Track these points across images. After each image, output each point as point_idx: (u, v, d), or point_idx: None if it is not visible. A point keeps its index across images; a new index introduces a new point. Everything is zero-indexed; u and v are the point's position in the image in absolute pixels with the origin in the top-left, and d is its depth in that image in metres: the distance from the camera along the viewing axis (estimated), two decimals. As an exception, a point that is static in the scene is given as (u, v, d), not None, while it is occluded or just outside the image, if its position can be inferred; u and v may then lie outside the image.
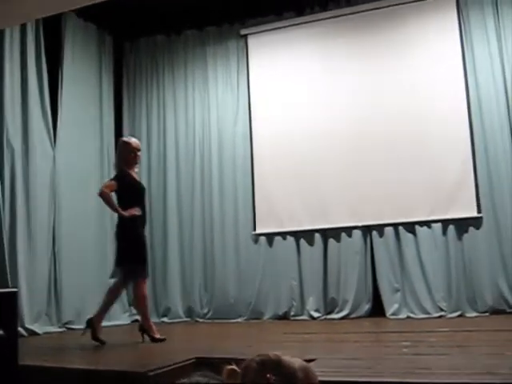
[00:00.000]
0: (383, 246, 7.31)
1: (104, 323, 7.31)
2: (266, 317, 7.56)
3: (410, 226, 7.23)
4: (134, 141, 5.92)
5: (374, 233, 7.35)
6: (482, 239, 6.94)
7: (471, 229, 7.00)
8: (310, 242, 7.60)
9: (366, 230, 7.36)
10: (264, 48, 8.18)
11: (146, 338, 5.59)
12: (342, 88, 7.68)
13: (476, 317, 6.70)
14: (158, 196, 8.44)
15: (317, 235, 7.56)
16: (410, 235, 7.22)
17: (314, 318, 7.36)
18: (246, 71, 8.23)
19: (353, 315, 7.23)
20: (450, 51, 7.25)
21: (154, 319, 7.57)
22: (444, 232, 7.08)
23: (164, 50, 8.73)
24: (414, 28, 7.50)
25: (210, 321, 7.82)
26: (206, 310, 7.96)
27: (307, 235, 7.61)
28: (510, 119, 6.96)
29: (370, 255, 7.37)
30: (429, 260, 7.08)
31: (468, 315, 6.78)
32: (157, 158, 8.60)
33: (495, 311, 6.69)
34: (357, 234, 7.38)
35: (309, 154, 7.64)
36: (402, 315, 7.00)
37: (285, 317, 7.50)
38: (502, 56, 7.07)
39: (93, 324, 5.56)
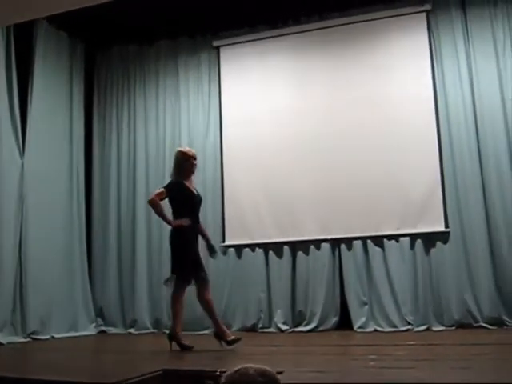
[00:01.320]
0: (351, 259, 7.31)
1: (70, 333, 7.39)
2: (234, 328, 7.43)
3: (379, 240, 7.26)
4: (189, 149, 5.94)
5: (343, 246, 7.35)
6: (449, 254, 6.99)
7: (439, 243, 7.06)
8: (279, 255, 7.59)
9: (335, 243, 7.37)
10: (236, 60, 8.16)
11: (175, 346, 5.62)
12: (314, 102, 7.71)
13: (442, 331, 6.73)
14: (127, 207, 8.38)
15: (286, 248, 7.55)
16: (378, 249, 7.25)
17: (281, 331, 7.33)
18: (217, 83, 8.22)
19: (320, 328, 7.21)
20: (420, 67, 7.34)
21: (120, 330, 7.82)
22: (412, 246, 7.12)
23: (136, 60, 8.69)
24: (385, 43, 7.59)
25: None
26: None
27: (276, 247, 7.60)
28: (477, 136, 7.04)
29: (339, 268, 7.36)
30: (396, 274, 7.10)
31: (435, 329, 6.81)
32: (126, 170, 8.54)
33: (461, 325, 6.74)
34: (325, 247, 7.39)
35: (279, 167, 7.65)
36: (370, 328, 7.01)
37: (253, 329, 7.45)
38: (471, 74, 7.16)
39: (173, 337, 5.62)
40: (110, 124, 8.74)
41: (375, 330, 6.97)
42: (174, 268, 5.68)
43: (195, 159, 5.85)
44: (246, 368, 2.01)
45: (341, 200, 7.38)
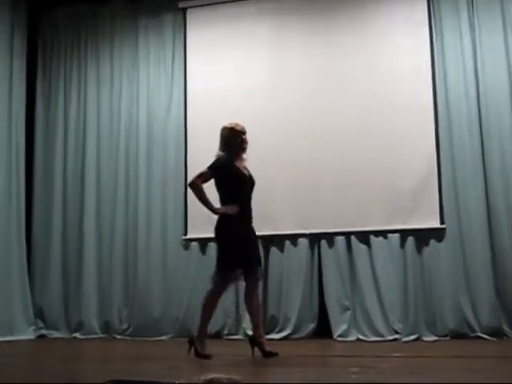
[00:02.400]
0: (333, 257, 7.31)
1: (5, 338, 7.33)
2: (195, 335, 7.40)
3: (364, 236, 7.27)
4: (236, 124, 5.75)
5: (323, 242, 7.35)
6: (444, 253, 7.02)
7: (432, 241, 7.09)
8: None
9: (314, 238, 7.36)
10: (205, 24, 8.08)
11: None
12: (294, 76, 7.69)
13: (435, 341, 6.77)
14: (74, 195, 8.38)
15: None
16: (363, 246, 7.26)
17: (250, 338, 7.31)
18: (183, 50, 8.15)
19: (295, 336, 7.22)
20: (417, 40, 7.35)
21: (63, 334, 7.81)
22: (402, 244, 7.15)
23: (87, 23, 8.62)
24: (376, 10, 7.59)
25: (129, 338, 7.74)
26: (125, 326, 7.88)
27: None
28: (480, 120, 7.08)
29: (318, 268, 7.37)
30: (384, 275, 7.12)
31: (426, 339, 6.84)
32: (74, 152, 8.49)
33: (456, 335, 6.79)
34: (303, 242, 7.39)
35: (252, 150, 7.33)
36: (352, 337, 7.03)
37: (218, 335, 7.41)
38: (474, 49, 7.19)
39: (194, 341, 5.55)
40: (55, 100, 8.64)
41: (358, 339, 6.98)
42: (217, 261, 5.60)
43: (245, 134, 5.71)
44: (218, 378, 1.98)
45: (321, 190, 7.37)
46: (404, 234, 7.12)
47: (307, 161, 7.45)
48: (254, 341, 5.52)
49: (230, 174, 5.61)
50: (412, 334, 6.90)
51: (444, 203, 7.06)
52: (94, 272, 8.09)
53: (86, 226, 8.21)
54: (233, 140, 5.67)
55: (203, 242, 7.71)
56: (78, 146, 8.48)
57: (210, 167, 5.61)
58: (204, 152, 7.30)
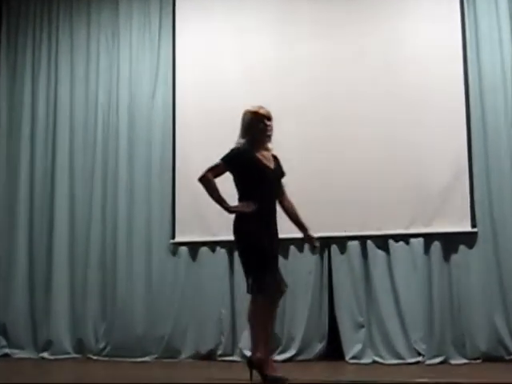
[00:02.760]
0: (345, 265, 7.02)
1: None
2: (183, 355, 7.25)
3: (382, 241, 6.96)
4: (259, 107, 5.48)
5: (334, 247, 7.05)
6: (475, 261, 6.74)
7: (462, 247, 6.79)
8: None
9: (324, 243, 6.96)
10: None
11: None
12: (303, 56, 7.36)
13: (464, 364, 6.46)
14: (42, 191, 8.09)
15: None
16: (381, 252, 6.95)
17: (248, 360, 7.05)
18: (171, 19, 7.90)
19: (301, 357, 6.93)
20: (445, 12, 7.03)
21: (30, 354, 7.78)
22: (426, 250, 6.84)
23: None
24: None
25: (107, 358, 7.45)
26: (102, 345, 7.57)
27: None
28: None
29: (328, 278, 7.08)
30: (405, 286, 6.81)
31: (453, 362, 6.53)
32: (43, 137, 8.16)
33: (489, 358, 6.50)
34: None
35: None
36: (367, 359, 6.73)
37: (210, 356, 7.21)
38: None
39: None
40: (22, 75, 8.35)
41: (374, 362, 6.71)
42: (249, 272, 5.26)
43: (269, 119, 5.44)
44: None
45: (333, 187, 7.10)
46: (429, 238, 6.81)
47: (316, 155, 7.18)
48: (252, 363, 5.22)
49: (249, 165, 5.35)
50: (437, 356, 6.58)
51: (476, 203, 6.79)
52: (66, 282, 7.80)
53: (57, 228, 7.91)
54: (255, 126, 5.40)
55: (194, 247, 7.49)
56: (47, 134, 8.17)
57: (224, 158, 5.38)
58: (194, 143, 7.59)
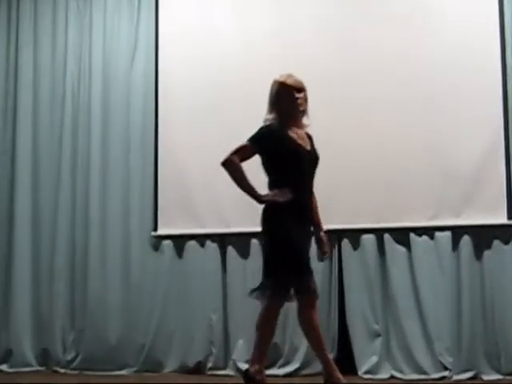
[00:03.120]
0: (358, 262, 6.71)
1: None
2: (167, 369, 6.94)
3: (402, 235, 6.63)
4: (288, 76, 5.14)
5: (345, 242, 6.74)
6: None
7: (497, 243, 6.43)
8: (243, 253, 7.01)
9: (334, 237, 6.62)
10: None
11: None
12: (306, 25, 7.02)
13: (498, 380, 6.13)
14: (2, 181, 7.77)
15: (254, 242, 6.92)
16: (400, 248, 6.60)
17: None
18: None
19: (305, 371, 6.60)
20: None
21: None
22: (454, 246, 6.49)
23: None
24: None
25: (76, 372, 7.11)
26: (71, 356, 7.24)
27: (239, 241, 7.05)
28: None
29: (338, 277, 6.76)
30: (428, 288, 6.48)
31: (486, 378, 6.18)
32: (2, 112, 7.77)
33: None
34: (317, 242, 6.89)
35: (247, 124, 6.41)
36: (384, 374, 6.39)
37: (198, 370, 6.90)
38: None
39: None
40: None
41: (392, 377, 6.37)
42: (267, 270, 4.96)
43: (301, 91, 5.06)
44: None
45: (344, 174, 6.76)
46: (457, 232, 6.48)
47: (323, 134, 6.44)
48: (250, 377, 4.98)
49: (281, 146, 4.95)
50: (467, 371, 6.26)
51: None
52: (28, 283, 7.50)
53: (18, 219, 7.57)
54: (282, 99, 5.04)
55: (180, 241, 7.19)
56: (6, 106, 7.77)
57: (251, 139, 5.00)
58: (180, 122, 7.26)
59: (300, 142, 5.00)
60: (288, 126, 4.99)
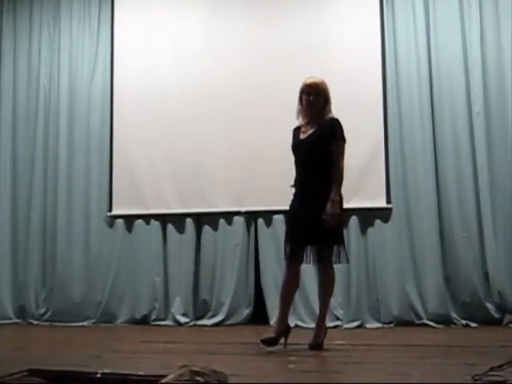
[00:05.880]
0: (270, 237, 7.32)
1: None
2: (119, 320, 7.55)
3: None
4: (309, 77, 5.38)
5: (260, 221, 7.39)
6: (389, 235, 7.10)
7: (378, 222, 7.16)
8: (180, 229, 7.60)
9: (251, 217, 7.37)
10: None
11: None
12: (234, 42, 7.68)
13: (378, 328, 6.85)
14: None
15: (189, 221, 7.57)
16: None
17: (180, 324, 7.36)
18: (110, 4, 8.12)
19: (229, 321, 7.26)
20: (365, 9, 7.38)
21: None
22: (346, 223, 6.96)
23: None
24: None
25: (47, 323, 7.72)
26: (43, 310, 7.85)
27: (177, 220, 7.60)
28: (431, 94, 7.17)
29: (254, 249, 7.40)
30: None
31: (369, 326, 6.93)
32: None
33: (401, 322, 6.88)
34: (239, 221, 7.42)
35: (185, 122, 7.60)
36: (290, 323, 6.52)
37: (144, 321, 7.47)
38: (427, 20, 7.28)
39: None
40: None
41: (296, 326, 6.86)
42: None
43: (309, 87, 5.27)
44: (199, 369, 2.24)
45: (260, 165, 7.37)
46: (347, 213, 6.73)
47: (243, 134, 7.43)
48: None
49: (293, 140, 5.45)
50: (354, 321, 6.98)
51: (391, 181, 7.12)
52: (8, 251, 8.05)
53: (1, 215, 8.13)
54: (299, 97, 5.37)
55: (129, 220, 7.75)
56: None
57: None
58: (131, 122, 7.85)
59: (301, 134, 5.31)
60: (302, 122, 5.36)
